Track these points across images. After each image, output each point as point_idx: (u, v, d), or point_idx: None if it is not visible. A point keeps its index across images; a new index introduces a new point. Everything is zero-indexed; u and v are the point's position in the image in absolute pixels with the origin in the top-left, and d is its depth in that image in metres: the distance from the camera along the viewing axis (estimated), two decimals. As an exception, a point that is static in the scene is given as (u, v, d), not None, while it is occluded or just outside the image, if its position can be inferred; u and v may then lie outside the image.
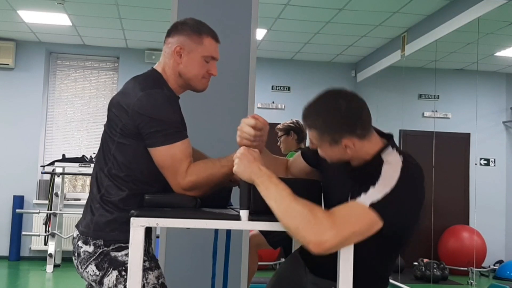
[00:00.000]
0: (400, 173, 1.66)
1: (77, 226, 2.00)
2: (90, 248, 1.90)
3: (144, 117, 1.84)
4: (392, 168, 1.68)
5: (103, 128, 2.02)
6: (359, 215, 1.61)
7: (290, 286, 2.13)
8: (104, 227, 1.90)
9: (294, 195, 1.64)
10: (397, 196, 1.62)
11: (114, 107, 1.94)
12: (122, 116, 1.89)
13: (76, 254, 1.95)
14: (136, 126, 1.86)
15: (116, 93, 2.05)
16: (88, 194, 2.04)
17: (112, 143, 1.93)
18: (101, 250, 1.89)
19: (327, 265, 1.82)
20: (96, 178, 1.97)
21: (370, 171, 1.70)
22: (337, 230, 1.57)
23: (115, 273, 1.87)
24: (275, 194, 1.65)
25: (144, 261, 1.91)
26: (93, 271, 1.89)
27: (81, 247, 1.92)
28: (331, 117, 1.72)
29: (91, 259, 1.90)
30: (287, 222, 1.62)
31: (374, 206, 1.60)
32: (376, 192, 1.62)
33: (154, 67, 2.06)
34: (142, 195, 1.86)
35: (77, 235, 1.96)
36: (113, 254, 1.88)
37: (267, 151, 2.11)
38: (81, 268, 1.93)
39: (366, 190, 1.63)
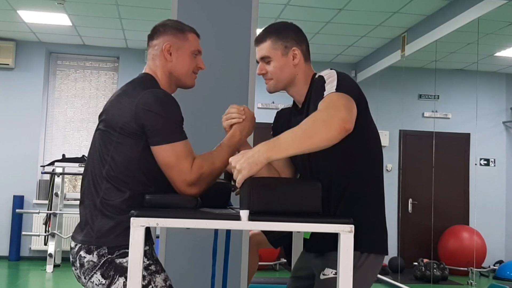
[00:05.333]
0: (335, 71, 1.97)
1: (73, 238, 1.96)
2: (94, 258, 1.87)
3: (150, 114, 1.84)
4: (329, 72, 1.98)
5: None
6: (337, 96, 1.85)
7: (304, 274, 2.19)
8: (107, 234, 1.87)
9: (292, 129, 1.77)
10: (343, 78, 1.93)
11: (113, 107, 1.94)
12: (123, 115, 1.88)
13: (78, 265, 1.91)
14: (140, 124, 1.85)
15: (112, 95, 2.04)
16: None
17: (110, 144, 1.91)
18: (105, 258, 1.86)
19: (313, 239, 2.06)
20: (92, 183, 1.93)
21: (318, 83, 1.95)
22: (340, 108, 1.79)
23: (121, 280, 1.85)
24: (288, 138, 1.73)
25: (150, 264, 1.91)
26: (99, 280, 1.87)
27: (84, 257, 1.88)
28: (284, 29, 2.08)
29: (96, 268, 1.87)
30: (315, 141, 1.72)
31: (337, 89, 1.87)
32: (330, 84, 1.90)
33: (144, 71, 2.06)
34: (144, 196, 1.85)
35: (76, 245, 1.93)
36: (118, 261, 1.86)
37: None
38: (85, 278, 1.90)
39: (323, 90, 1.89)
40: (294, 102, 2.18)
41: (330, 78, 1.91)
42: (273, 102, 8.50)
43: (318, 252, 2.06)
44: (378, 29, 7.00)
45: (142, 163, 1.89)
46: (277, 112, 2.28)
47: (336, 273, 1.82)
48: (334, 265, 1.82)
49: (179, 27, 2.06)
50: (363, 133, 1.96)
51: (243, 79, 3.11)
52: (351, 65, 8.74)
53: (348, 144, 1.82)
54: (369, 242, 1.97)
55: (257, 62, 2.11)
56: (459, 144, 8.60)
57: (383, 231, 2.04)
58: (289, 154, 1.75)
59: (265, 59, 2.06)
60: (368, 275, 1.98)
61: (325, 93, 1.88)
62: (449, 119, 8.73)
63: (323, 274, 1.96)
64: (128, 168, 1.89)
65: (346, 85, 1.90)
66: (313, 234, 2.06)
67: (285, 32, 2.07)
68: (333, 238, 1.71)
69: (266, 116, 7.97)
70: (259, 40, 2.08)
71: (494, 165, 8.79)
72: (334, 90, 1.86)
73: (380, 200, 2.05)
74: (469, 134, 8.60)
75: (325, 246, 1.98)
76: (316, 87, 1.96)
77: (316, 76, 2.04)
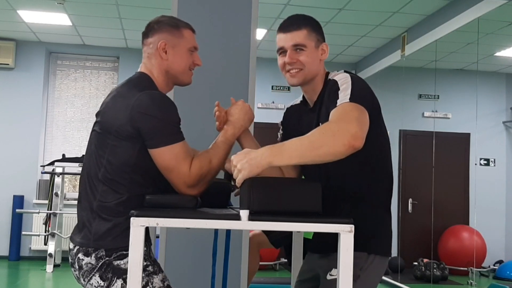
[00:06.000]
0: (350, 76, 1.94)
1: (71, 239, 1.96)
2: (93, 260, 1.87)
3: (146, 117, 1.82)
4: (343, 76, 1.94)
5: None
6: (350, 107, 1.81)
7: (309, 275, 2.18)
8: (105, 236, 1.86)
9: (299, 138, 1.72)
10: (357, 84, 1.89)
11: (109, 109, 1.91)
12: (118, 118, 1.85)
13: (77, 267, 1.91)
14: (135, 127, 1.83)
15: (107, 96, 2.02)
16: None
17: (105, 147, 1.88)
18: (103, 260, 1.86)
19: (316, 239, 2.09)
20: (88, 185, 1.92)
21: (331, 88, 1.92)
22: (352, 122, 1.75)
23: (119, 281, 1.85)
24: (293, 147, 1.70)
25: (148, 265, 1.91)
26: (98, 282, 1.87)
27: (83, 259, 1.88)
28: (316, 22, 2.06)
29: (95, 271, 1.87)
30: (320, 153, 1.69)
31: (351, 99, 1.82)
32: (344, 92, 1.85)
33: (140, 70, 2.03)
34: (141, 198, 1.84)
35: (74, 246, 1.93)
36: (115, 263, 1.86)
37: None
38: (84, 280, 1.90)
39: (336, 97, 1.85)
40: (304, 99, 2.14)
41: (344, 85, 1.87)
42: (273, 102, 8.50)
43: (322, 253, 2.05)
44: (378, 29, 7.00)
45: (139, 165, 1.87)
46: (287, 109, 2.25)
47: None
48: None
49: (174, 23, 2.02)
50: (375, 138, 1.94)
51: (243, 79, 3.11)
52: (351, 65, 8.74)
53: (359, 150, 1.79)
54: (376, 244, 1.97)
55: (279, 50, 2.02)
56: (459, 144, 8.59)
57: (389, 233, 2.04)
58: (292, 163, 1.72)
59: (298, 47, 1.98)
60: (374, 276, 1.98)
61: (338, 101, 1.83)
62: (449, 119, 8.73)
63: (330, 275, 1.95)
64: (124, 171, 1.87)
65: (360, 92, 1.86)
66: (316, 235, 2.06)
67: (318, 26, 2.05)
68: (337, 238, 1.70)
69: (266, 116, 7.98)
70: (293, 26, 2.01)
71: (494, 165, 8.79)
72: (348, 100, 1.82)
73: (388, 203, 2.05)
74: (469, 134, 8.60)
75: (329, 246, 1.97)
76: (329, 92, 1.92)
77: (329, 77, 2.01)
